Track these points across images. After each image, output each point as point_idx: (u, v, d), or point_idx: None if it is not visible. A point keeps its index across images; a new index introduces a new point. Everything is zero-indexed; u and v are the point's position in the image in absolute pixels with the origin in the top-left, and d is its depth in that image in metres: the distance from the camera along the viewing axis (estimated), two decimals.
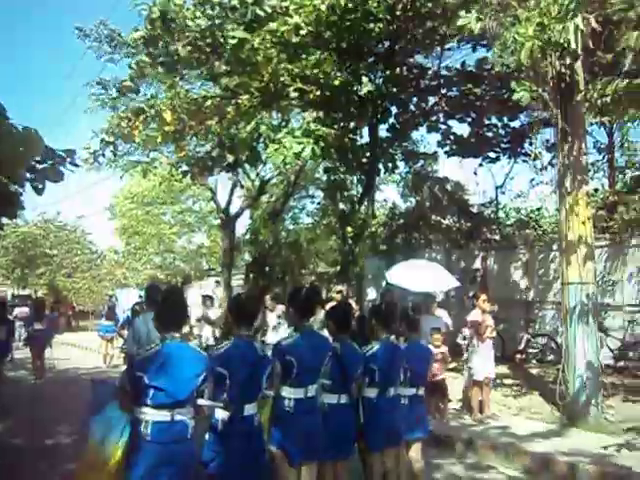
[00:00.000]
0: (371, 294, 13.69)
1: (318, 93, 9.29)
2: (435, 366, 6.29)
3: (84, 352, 16.17)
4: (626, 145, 13.59)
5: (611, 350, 9.84)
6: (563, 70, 6.76)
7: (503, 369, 9.77)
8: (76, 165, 4.98)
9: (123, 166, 12.72)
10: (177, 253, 27.93)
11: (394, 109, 11.16)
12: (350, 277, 11.35)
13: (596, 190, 13.37)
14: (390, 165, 11.52)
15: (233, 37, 8.42)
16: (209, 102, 9.60)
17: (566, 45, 5.46)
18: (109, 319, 13.84)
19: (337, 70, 9.10)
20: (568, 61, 6.60)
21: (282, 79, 8.94)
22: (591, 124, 10.07)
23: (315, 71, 8.69)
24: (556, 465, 5.17)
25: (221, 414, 3.19)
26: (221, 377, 3.17)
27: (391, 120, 11.17)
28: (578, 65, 6.75)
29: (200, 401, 3.03)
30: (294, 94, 9.25)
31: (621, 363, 9.65)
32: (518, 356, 11.07)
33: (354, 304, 8.26)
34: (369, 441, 4.04)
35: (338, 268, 12.48)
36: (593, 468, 4.97)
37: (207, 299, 10.89)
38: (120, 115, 10.13)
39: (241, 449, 3.17)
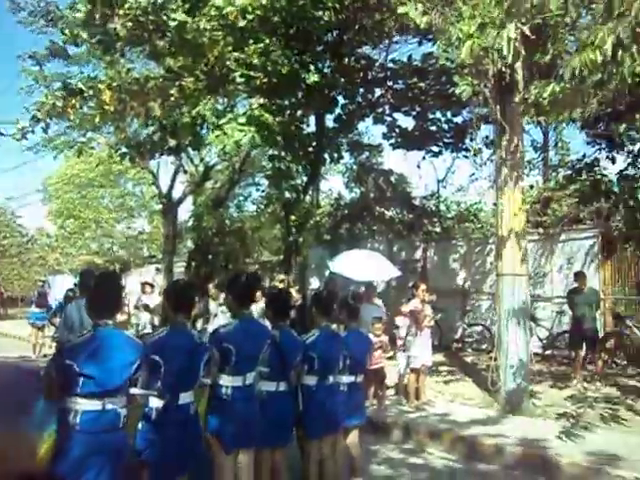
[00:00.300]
0: (314, 283, 13.78)
1: (265, 80, 9.17)
2: (375, 354, 6.42)
3: (12, 340, 15.39)
4: (560, 144, 14.24)
5: (540, 339, 10.37)
6: (503, 69, 6.97)
7: (440, 357, 10.10)
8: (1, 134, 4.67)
9: (57, 146, 12.11)
10: (116, 239, 26.99)
11: (341, 99, 11.21)
12: (293, 266, 11.36)
13: (531, 186, 13.92)
14: (336, 155, 11.57)
15: (174, 19, 8.15)
16: (152, 83, 9.26)
17: (502, 51, 5.64)
18: (40, 306, 13.20)
19: (285, 57, 9.00)
20: (508, 61, 6.81)
21: (228, 63, 8.75)
22: (528, 123, 10.46)
23: (262, 58, 8.57)
24: (487, 448, 5.40)
25: (155, 403, 3.11)
26: (156, 365, 3.08)
27: (338, 110, 11.22)
28: (518, 65, 6.98)
29: (133, 390, 2.94)
30: (240, 80, 9.08)
31: (549, 351, 10.20)
32: (455, 344, 11.49)
33: (295, 293, 8.29)
34: (307, 429, 4.07)
35: (282, 257, 12.46)
36: (524, 451, 5.21)
37: (146, 286, 10.61)
38: (55, 94, 9.62)
39: (176, 437, 3.11)
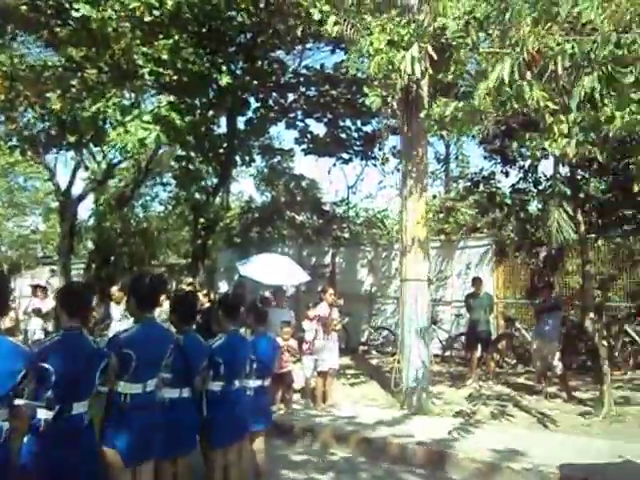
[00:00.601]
0: (223, 287, 13.54)
1: (175, 77, 8.90)
2: (283, 358, 6.42)
3: None
4: (460, 158, 15.16)
5: (440, 341, 10.91)
6: (410, 84, 7.29)
7: (347, 360, 10.30)
8: None
9: None
10: (4, 237, 24.82)
11: (253, 102, 11.17)
12: (201, 269, 11.10)
13: (434, 196, 14.69)
14: (247, 158, 11.50)
15: (77, 9, 7.69)
16: (49, 72, 8.65)
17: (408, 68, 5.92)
18: None
19: (196, 56, 8.79)
20: (413, 78, 7.13)
21: (136, 57, 8.38)
22: (432, 136, 11.02)
23: (172, 55, 8.30)
24: (390, 448, 5.57)
25: (44, 414, 2.87)
26: (45, 374, 2.85)
27: (250, 113, 11.16)
28: (423, 82, 7.33)
29: (18, 401, 2.69)
30: (149, 76, 8.74)
31: (448, 353, 10.75)
32: (361, 348, 11.78)
33: (202, 296, 8.10)
34: (212, 436, 3.96)
35: (189, 260, 12.12)
36: (426, 449, 5.42)
37: (38, 289, 9.86)
38: None
39: (66, 451, 2.88)
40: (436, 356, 10.55)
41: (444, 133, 9.09)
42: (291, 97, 11.62)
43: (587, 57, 4.58)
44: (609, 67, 3.94)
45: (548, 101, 4.50)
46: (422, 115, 7.00)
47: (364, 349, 11.78)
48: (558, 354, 7.56)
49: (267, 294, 8.63)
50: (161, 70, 8.54)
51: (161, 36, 8.42)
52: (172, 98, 8.92)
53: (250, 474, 4.31)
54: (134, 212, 17.20)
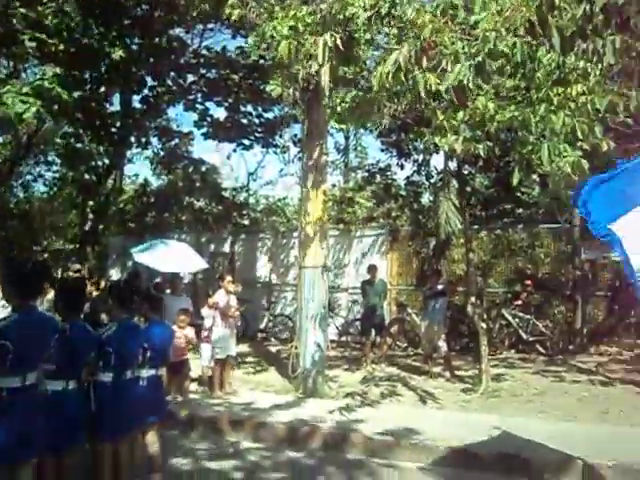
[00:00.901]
0: (116, 274, 12.88)
1: (62, 47, 8.23)
2: (179, 347, 6.26)
3: None
4: (359, 149, 15.62)
5: (337, 327, 11.25)
6: (312, 73, 7.35)
7: (245, 347, 10.28)
8: None
9: None
10: None
11: (150, 80, 10.65)
12: (91, 255, 10.46)
13: (333, 185, 15.03)
14: (143, 139, 10.97)
15: None
16: None
17: (314, 56, 5.97)
18: None
19: (85, 25, 8.19)
20: (316, 67, 7.20)
21: (15, 21, 7.63)
22: (332, 127, 11.24)
23: (55, 21, 7.64)
24: (286, 431, 5.65)
25: None
26: None
27: (146, 91, 10.63)
28: (325, 71, 7.42)
29: None
30: (30, 43, 8.00)
31: (344, 338, 11.11)
32: (260, 335, 11.82)
33: (90, 284, 7.66)
34: (101, 429, 3.79)
35: (77, 245, 11.36)
36: (321, 431, 5.55)
37: None
38: None
39: None
40: (333, 341, 10.85)
41: (343, 126, 9.34)
42: (191, 78, 11.23)
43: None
44: (481, 57, 4.22)
45: (439, 85, 4.73)
46: (323, 103, 7.10)
47: (263, 336, 11.83)
48: (443, 336, 8.11)
49: (159, 280, 8.34)
50: (44, 37, 7.84)
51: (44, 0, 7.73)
52: (58, 70, 8.24)
53: (143, 468, 4.18)
54: (13, 193, 15.73)
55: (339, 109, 6.89)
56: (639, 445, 5.10)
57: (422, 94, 4.76)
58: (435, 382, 7.81)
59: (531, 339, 10.01)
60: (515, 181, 5.58)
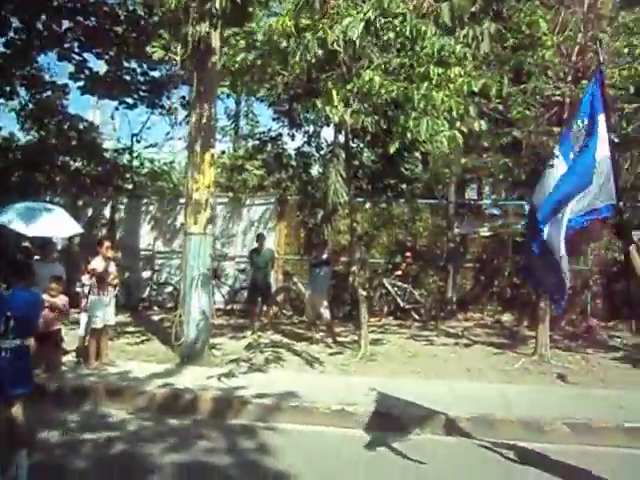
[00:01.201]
0: None
1: None
2: (49, 316, 5.85)
3: None
4: (250, 116, 15.33)
5: (223, 295, 11.17)
6: (203, 33, 7.03)
7: (126, 317, 9.87)
8: None
9: None
10: None
11: (15, 22, 9.48)
12: None
13: (223, 152, 14.66)
14: (8, 89, 9.84)
15: None
16: None
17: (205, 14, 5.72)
18: None
19: None
20: (207, 26, 6.90)
21: None
22: (222, 92, 10.91)
23: None
24: (167, 399, 5.57)
25: None
26: None
27: (11, 34, 9.47)
28: (215, 32, 7.13)
29: None
30: None
31: (230, 306, 11.08)
32: (142, 304, 11.38)
33: None
34: None
35: None
36: (204, 398, 5.56)
37: None
38: None
39: None
40: (219, 310, 10.81)
41: (234, 89, 9.10)
42: (66, 24, 10.19)
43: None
44: (372, 14, 4.34)
45: (329, 37, 4.77)
46: (213, 60, 6.83)
47: (146, 305, 11.42)
48: (326, 304, 8.40)
49: (27, 244, 7.66)
50: None
51: None
52: None
53: (8, 443, 3.89)
54: None
55: (230, 71, 6.71)
56: (494, 398, 5.74)
57: (311, 51, 4.77)
58: (318, 348, 8.09)
59: (407, 307, 10.70)
60: (392, 150, 5.86)
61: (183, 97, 11.10)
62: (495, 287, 11.38)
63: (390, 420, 5.17)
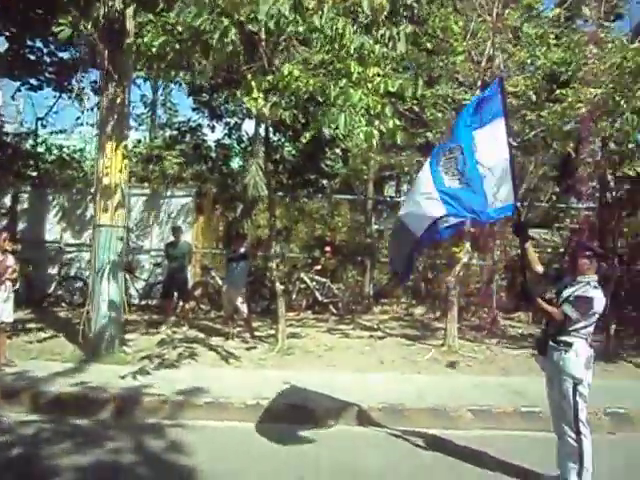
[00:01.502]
0: None
1: None
2: None
3: None
4: (168, 105, 14.85)
5: (137, 290, 10.75)
6: (116, 13, 6.69)
7: (26, 313, 9.25)
8: None
9: None
10: None
11: None
12: None
13: (139, 141, 14.10)
14: None
15: None
16: None
17: None
18: None
19: None
20: (120, 2, 6.57)
21: None
22: (138, 77, 10.46)
23: None
24: (73, 400, 5.27)
25: None
26: None
27: None
28: (129, 12, 6.81)
29: None
30: None
31: (145, 301, 10.68)
32: (47, 300, 10.70)
33: None
34: None
35: None
36: (112, 397, 5.32)
37: None
38: None
39: None
40: (134, 305, 10.40)
41: (150, 74, 8.74)
42: None
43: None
44: None
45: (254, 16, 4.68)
46: (128, 41, 6.51)
47: (51, 301, 10.74)
48: (242, 299, 8.32)
49: None
50: None
51: None
52: None
53: None
54: None
55: (146, 55, 6.43)
56: (405, 388, 5.96)
57: (229, 36, 4.68)
58: (235, 343, 8.01)
59: (326, 301, 10.84)
60: (304, 139, 5.91)
61: (95, 82, 10.49)
62: (409, 281, 11.79)
63: (304, 413, 5.21)
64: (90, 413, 5.14)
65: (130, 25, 6.84)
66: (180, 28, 5.59)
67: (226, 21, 4.77)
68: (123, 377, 5.89)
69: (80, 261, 11.28)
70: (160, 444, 4.56)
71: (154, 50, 5.90)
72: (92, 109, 12.01)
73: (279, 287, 7.71)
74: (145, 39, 5.93)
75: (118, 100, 6.96)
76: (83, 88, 11.13)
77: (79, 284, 10.91)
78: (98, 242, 6.88)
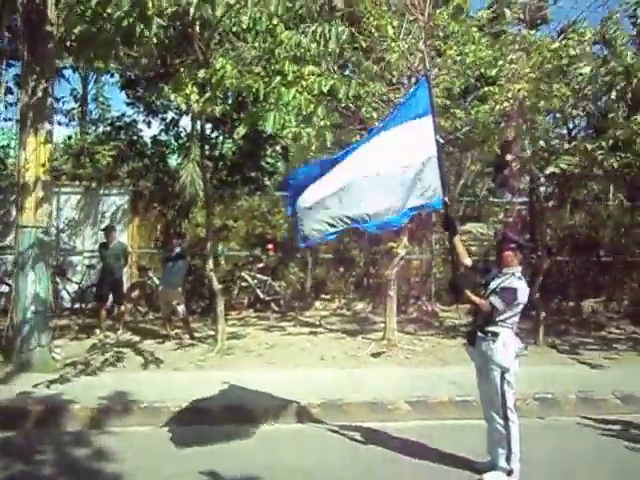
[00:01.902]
0: None
1: None
2: None
3: None
4: (100, 99, 14.25)
5: (69, 293, 10.27)
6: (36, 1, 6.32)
7: None
8: None
9: None
10: None
11: None
12: None
13: (70, 137, 13.47)
14: None
15: None
16: None
17: None
18: None
19: None
20: None
21: None
22: (65, 68, 9.96)
23: None
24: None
25: None
26: None
27: None
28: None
29: None
30: None
31: (78, 305, 10.21)
32: None
33: None
34: None
35: None
36: (37, 406, 5.05)
37: None
38: None
39: None
40: (66, 309, 9.94)
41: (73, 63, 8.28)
42: None
43: None
44: None
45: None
46: (47, 28, 6.16)
47: None
48: (180, 299, 8.11)
49: None
50: None
51: None
52: None
53: None
54: None
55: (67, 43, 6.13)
56: (345, 383, 5.99)
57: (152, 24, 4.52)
58: (173, 345, 7.79)
59: (267, 298, 10.74)
60: (237, 136, 5.84)
61: (18, 75, 9.87)
62: (351, 277, 11.88)
63: (243, 413, 5.14)
64: (6, 426, 4.82)
65: (52, 14, 6.49)
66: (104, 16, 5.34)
67: (150, 11, 4.60)
68: (46, 385, 5.59)
69: (5, 264, 10.65)
70: (84, 452, 4.35)
71: (73, 39, 5.62)
72: (16, 103, 11.33)
73: (217, 286, 7.57)
74: (62, 28, 5.63)
75: (40, 90, 6.57)
76: (7, 82, 10.49)
77: (4, 288, 10.30)
78: (22, 244, 6.50)
